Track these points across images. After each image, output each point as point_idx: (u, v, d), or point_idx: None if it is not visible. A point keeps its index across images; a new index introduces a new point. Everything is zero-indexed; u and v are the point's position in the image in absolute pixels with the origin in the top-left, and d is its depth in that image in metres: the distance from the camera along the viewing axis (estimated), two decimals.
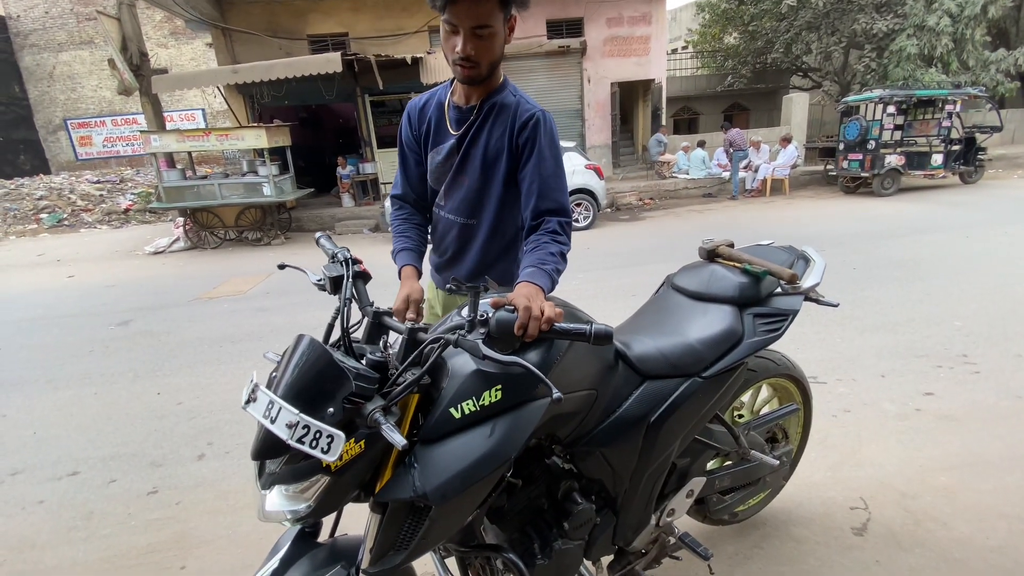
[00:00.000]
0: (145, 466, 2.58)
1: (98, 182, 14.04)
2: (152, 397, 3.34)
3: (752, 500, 1.83)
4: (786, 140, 10.83)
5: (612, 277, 5.35)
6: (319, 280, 1.14)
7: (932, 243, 5.92)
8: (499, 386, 0.91)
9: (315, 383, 0.81)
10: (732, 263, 1.50)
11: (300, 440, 0.75)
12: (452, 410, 0.89)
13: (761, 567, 1.73)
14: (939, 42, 12.34)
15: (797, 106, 12.85)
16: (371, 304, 1.07)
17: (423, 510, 0.89)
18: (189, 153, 9.29)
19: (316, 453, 0.75)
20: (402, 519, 0.91)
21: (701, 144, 11.90)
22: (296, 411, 0.75)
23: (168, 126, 10.72)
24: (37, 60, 17.77)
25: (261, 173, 8.75)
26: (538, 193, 1.28)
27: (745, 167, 10.97)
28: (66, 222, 11.88)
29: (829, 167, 11.42)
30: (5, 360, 4.26)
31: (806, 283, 1.45)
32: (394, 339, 1.07)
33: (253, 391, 0.80)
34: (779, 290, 1.46)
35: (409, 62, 9.52)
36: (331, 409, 0.79)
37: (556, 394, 0.82)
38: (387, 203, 1.41)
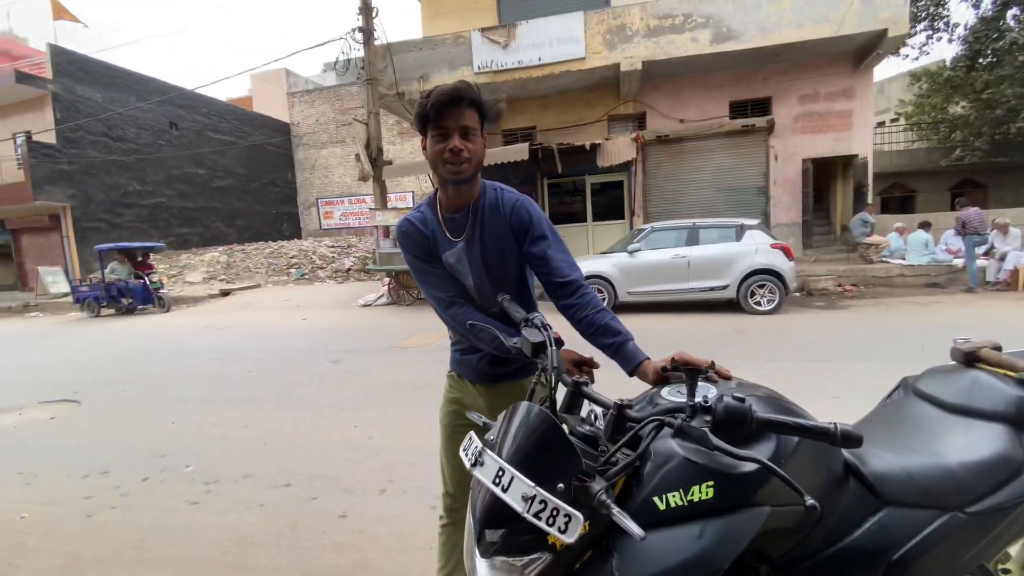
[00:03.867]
0: (339, 491, 2.93)
1: (332, 247, 17.50)
2: (350, 429, 3.85)
3: None
4: None
5: (806, 372, 4.66)
6: (515, 343, 1.16)
7: None
8: (711, 483, 0.83)
9: (546, 456, 0.80)
10: (1003, 371, 1.20)
11: (537, 515, 0.74)
12: (656, 499, 0.83)
13: None
14: None
15: None
16: (567, 371, 1.08)
17: None
18: None
19: (553, 532, 0.73)
20: None
21: (925, 226, 10.07)
22: (533, 484, 0.75)
23: (388, 206, 13.07)
24: (306, 155, 23.62)
25: None
26: (555, 263, 1.40)
27: (985, 254, 8.92)
28: (306, 276, 14.92)
29: None
30: (255, 381, 5.38)
31: None
32: (586, 410, 1.05)
33: (480, 455, 0.81)
34: None
35: (588, 148, 10.19)
36: (561, 485, 0.77)
37: (809, 501, 0.72)
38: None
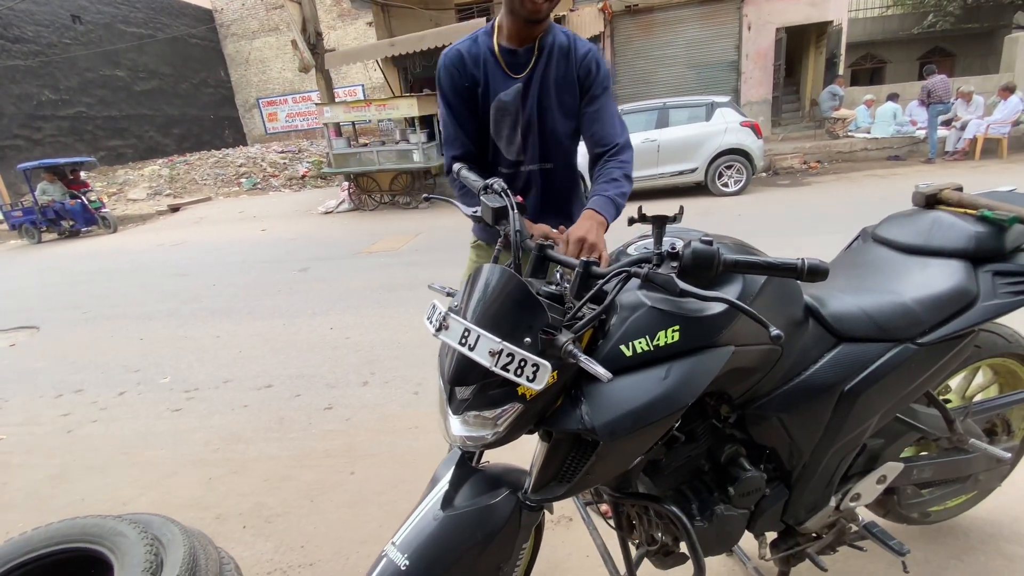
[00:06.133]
0: (322, 386, 3.00)
1: (282, 152, 16.34)
2: (326, 331, 3.86)
3: (952, 501, 1.53)
4: (1007, 90, 8.55)
5: (768, 248, 4.78)
6: (475, 212, 1.13)
7: None
8: (676, 327, 0.84)
9: (512, 313, 0.80)
10: (963, 209, 1.22)
11: (505, 368, 0.74)
12: (623, 347, 0.83)
13: None
14: None
15: None
16: (531, 236, 1.05)
17: (588, 445, 0.86)
18: (353, 124, 10.34)
19: (522, 381, 0.74)
20: (566, 451, 0.89)
21: (893, 97, 9.93)
22: (499, 339, 0.75)
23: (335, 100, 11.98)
24: (236, 47, 21.01)
25: (412, 141, 9.41)
26: (605, 126, 1.35)
27: (945, 123, 8.97)
28: (259, 186, 14.08)
29: None
30: (220, 293, 5.24)
31: None
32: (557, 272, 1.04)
33: (444, 319, 0.80)
34: None
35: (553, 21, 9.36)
36: (528, 339, 0.77)
37: (775, 331, 0.72)
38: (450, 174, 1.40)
